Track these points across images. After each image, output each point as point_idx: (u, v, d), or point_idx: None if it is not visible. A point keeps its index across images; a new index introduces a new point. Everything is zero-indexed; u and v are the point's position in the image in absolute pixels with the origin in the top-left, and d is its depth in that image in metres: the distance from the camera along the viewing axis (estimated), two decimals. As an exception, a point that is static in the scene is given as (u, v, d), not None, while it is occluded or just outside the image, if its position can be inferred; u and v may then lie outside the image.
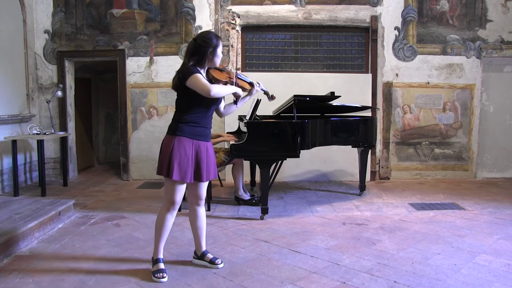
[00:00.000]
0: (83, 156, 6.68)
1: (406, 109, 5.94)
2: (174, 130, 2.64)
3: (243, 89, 2.87)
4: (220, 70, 2.82)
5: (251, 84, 2.94)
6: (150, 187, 5.46)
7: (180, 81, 2.58)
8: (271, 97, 3.24)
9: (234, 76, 2.81)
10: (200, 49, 2.63)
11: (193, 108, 2.62)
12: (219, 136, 4.43)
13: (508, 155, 6.08)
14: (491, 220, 3.93)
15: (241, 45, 5.90)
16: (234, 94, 2.76)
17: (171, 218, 2.70)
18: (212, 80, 2.71)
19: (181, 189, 2.66)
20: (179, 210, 4.21)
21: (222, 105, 2.90)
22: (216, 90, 2.55)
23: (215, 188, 5.27)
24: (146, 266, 2.82)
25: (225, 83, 2.75)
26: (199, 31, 5.75)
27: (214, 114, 2.83)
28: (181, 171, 2.58)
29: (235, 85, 2.79)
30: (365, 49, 6.00)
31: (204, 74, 2.69)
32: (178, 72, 2.64)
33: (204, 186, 2.79)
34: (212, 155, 2.77)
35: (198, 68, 2.64)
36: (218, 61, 2.72)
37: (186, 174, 2.59)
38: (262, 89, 3.04)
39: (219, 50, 2.69)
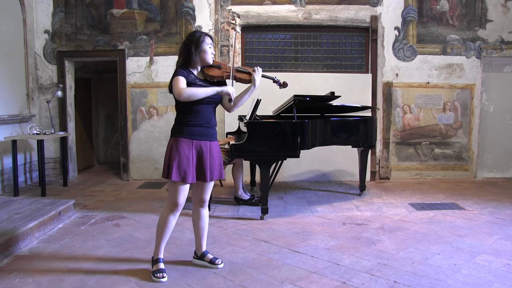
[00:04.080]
0: (83, 156, 6.68)
1: (406, 109, 5.93)
2: (173, 132, 2.68)
3: (244, 81, 2.80)
4: (216, 66, 2.72)
5: (250, 74, 2.80)
6: (150, 187, 5.46)
7: (169, 86, 2.61)
8: (283, 85, 3.07)
9: (231, 70, 2.71)
10: (185, 47, 2.63)
11: (188, 108, 2.59)
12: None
13: (508, 155, 6.08)
14: (491, 220, 3.93)
15: (241, 45, 5.90)
16: (224, 92, 2.61)
17: (173, 219, 2.70)
18: (207, 78, 2.68)
19: (184, 190, 2.65)
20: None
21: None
22: (187, 94, 2.48)
23: (215, 188, 5.27)
24: (146, 266, 2.82)
25: (222, 78, 2.71)
26: (199, 31, 5.80)
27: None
28: (180, 171, 2.58)
29: (233, 79, 2.72)
30: (365, 49, 6.00)
31: (196, 74, 2.66)
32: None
33: (208, 187, 2.77)
34: (217, 155, 2.73)
35: (187, 70, 2.61)
36: (207, 57, 2.64)
37: (186, 174, 2.58)
38: (266, 77, 2.90)
39: (205, 45, 2.62)
